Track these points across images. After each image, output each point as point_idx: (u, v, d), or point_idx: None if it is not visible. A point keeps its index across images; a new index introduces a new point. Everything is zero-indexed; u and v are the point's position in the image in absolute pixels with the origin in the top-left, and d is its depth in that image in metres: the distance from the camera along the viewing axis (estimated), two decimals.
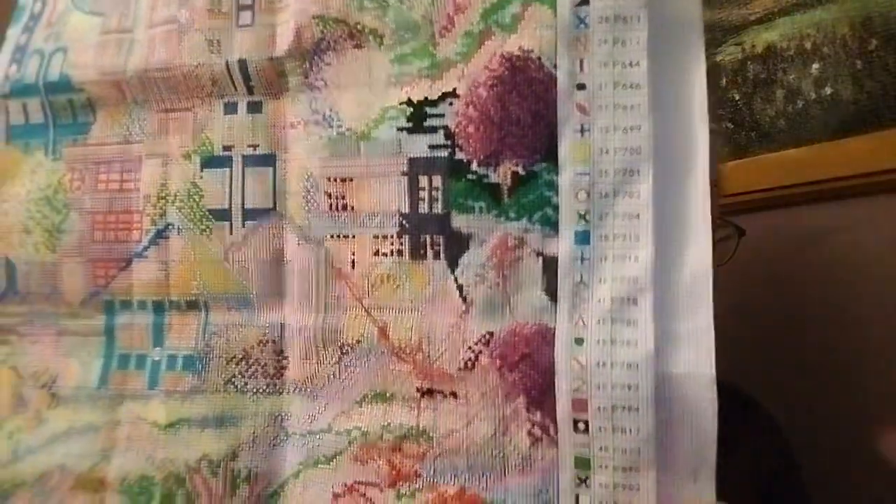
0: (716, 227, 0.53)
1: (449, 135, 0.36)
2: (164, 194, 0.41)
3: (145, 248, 0.41)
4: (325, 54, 0.39)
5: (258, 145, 0.40)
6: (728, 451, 0.52)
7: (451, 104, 0.36)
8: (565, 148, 0.34)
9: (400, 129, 0.37)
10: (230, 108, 0.41)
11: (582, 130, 0.34)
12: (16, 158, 0.44)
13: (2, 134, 0.44)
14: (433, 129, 0.36)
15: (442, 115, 0.36)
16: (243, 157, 0.40)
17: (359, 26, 0.38)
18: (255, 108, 0.41)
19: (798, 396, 0.66)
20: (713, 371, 0.31)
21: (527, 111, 0.34)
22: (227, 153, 0.41)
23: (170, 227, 0.41)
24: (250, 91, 0.41)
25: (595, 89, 0.33)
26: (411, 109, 0.37)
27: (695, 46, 0.33)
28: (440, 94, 0.36)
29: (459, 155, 0.36)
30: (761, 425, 0.57)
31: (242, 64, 0.40)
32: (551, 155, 0.34)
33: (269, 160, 0.40)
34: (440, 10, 0.36)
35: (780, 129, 0.71)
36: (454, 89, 0.36)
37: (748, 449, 0.54)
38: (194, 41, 0.41)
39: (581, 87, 0.34)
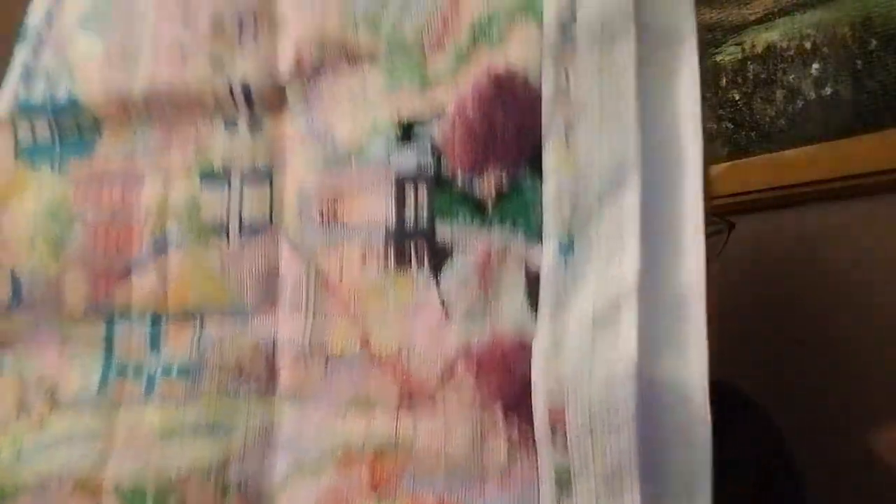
0: (705, 224, 0.54)
1: (435, 150, 0.36)
2: (164, 208, 0.42)
3: (145, 260, 0.42)
4: (323, 75, 0.40)
5: (257, 161, 0.41)
6: (725, 452, 0.52)
7: (438, 120, 0.36)
8: (550, 158, 0.33)
9: (389, 144, 0.38)
10: (230, 126, 0.42)
11: (567, 140, 0.33)
12: (24, 175, 0.45)
13: (11, 151, 0.45)
14: (421, 145, 0.37)
15: (430, 132, 0.36)
16: (242, 172, 0.41)
17: (354, 47, 0.39)
18: (255, 125, 0.42)
19: (797, 396, 0.66)
20: (706, 381, 0.30)
21: (511, 124, 0.34)
22: (226, 169, 0.41)
23: (168, 240, 0.42)
24: (251, 109, 0.41)
25: (580, 99, 0.33)
26: (400, 125, 0.37)
27: (686, 55, 0.33)
28: (429, 110, 0.37)
29: (445, 169, 0.36)
30: (760, 426, 0.57)
31: (245, 85, 0.41)
32: (536, 165, 0.34)
33: (267, 175, 0.41)
34: (431, 31, 0.37)
35: (780, 129, 0.71)
36: (443, 106, 0.36)
37: (745, 450, 0.54)
38: (198, 62, 0.42)
39: (566, 96, 0.33)
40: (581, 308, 0.32)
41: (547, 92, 0.33)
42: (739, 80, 0.75)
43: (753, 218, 0.72)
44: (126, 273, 0.42)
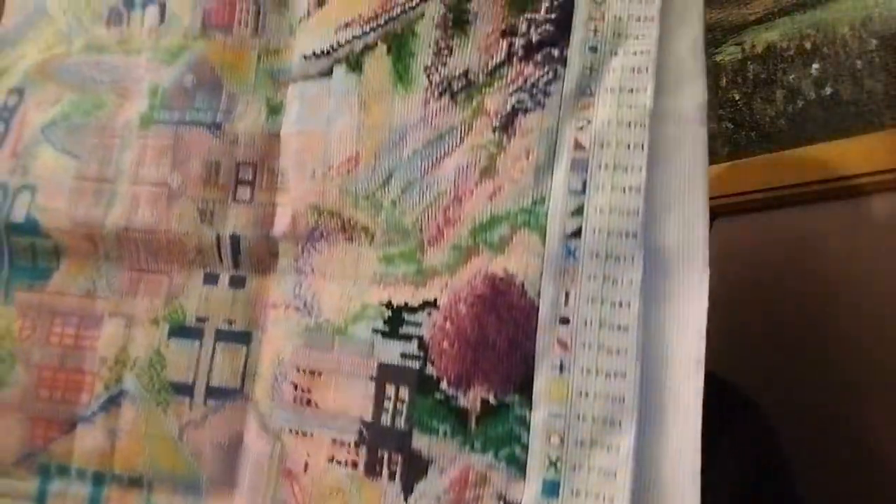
0: None
1: (423, 346, 0.34)
2: (122, 358, 0.39)
3: (94, 413, 0.39)
4: (318, 242, 0.39)
5: (235, 321, 0.39)
6: (721, 452, 0.52)
7: (429, 314, 0.35)
8: (541, 384, 0.32)
9: (375, 331, 0.36)
10: (210, 279, 0.40)
11: (561, 367, 0.31)
12: None
13: None
14: (408, 337, 0.35)
15: (419, 324, 0.35)
16: (217, 330, 0.39)
17: (352, 221, 0.38)
18: (237, 282, 0.40)
19: (797, 396, 0.66)
20: None
21: (504, 337, 0.33)
22: (199, 324, 0.39)
23: (123, 393, 0.39)
24: (236, 265, 0.40)
25: (579, 325, 0.31)
26: (390, 312, 0.36)
27: (695, 287, 0.31)
28: (421, 301, 0.35)
29: (430, 370, 0.34)
30: (758, 425, 0.57)
31: (235, 239, 0.39)
32: (525, 388, 0.32)
33: (244, 338, 0.39)
34: (430, 220, 0.36)
35: (780, 129, 0.71)
36: (435, 299, 0.35)
37: (743, 449, 0.54)
38: (185, 208, 0.39)
39: (564, 321, 0.32)
40: None
41: (544, 312, 0.32)
42: (739, 80, 0.75)
43: (753, 218, 0.72)
44: (70, 424, 0.39)
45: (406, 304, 0.36)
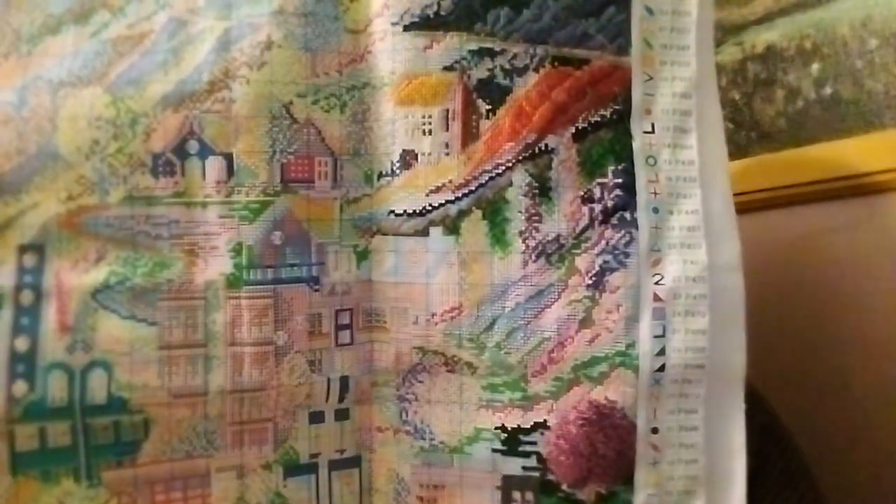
0: None
1: (541, 460, 0.40)
2: None
3: None
4: (420, 374, 0.41)
5: (345, 449, 0.41)
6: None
7: (542, 434, 0.40)
8: (640, 476, 0.40)
9: (495, 451, 0.40)
10: (316, 418, 0.41)
11: (655, 463, 0.40)
12: (32, 491, 0.36)
13: (3, 466, 0.35)
14: (526, 455, 0.40)
15: (535, 443, 0.40)
16: (330, 461, 0.41)
17: (455, 358, 0.40)
18: (342, 415, 0.41)
19: (796, 396, 0.66)
20: None
21: (612, 449, 0.40)
22: (313, 460, 0.40)
23: None
24: (341, 401, 0.41)
25: (665, 432, 0.40)
26: (505, 435, 0.40)
27: (737, 396, 0.40)
28: (532, 423, 0.40)
29: (550, 476, 0.40)
30: (768, 415, 0.57)
31: (344, 380, 0.41)
32: (629, 480, 0.40)
33: (355, 462, 0.41)
34: (535, 359, 0.40)
35: (780, 129, 0.71)
36: (545, 421, 0.40)
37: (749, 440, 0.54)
38: (295, 362, 0.40)
39: (655, 430, 0.40)
40: None
41: (640, 427, 0.40)
42: (739, 80, 0.75)
43: (753, 218, 0.72)
44: None
45: (519, 427, 0.40)
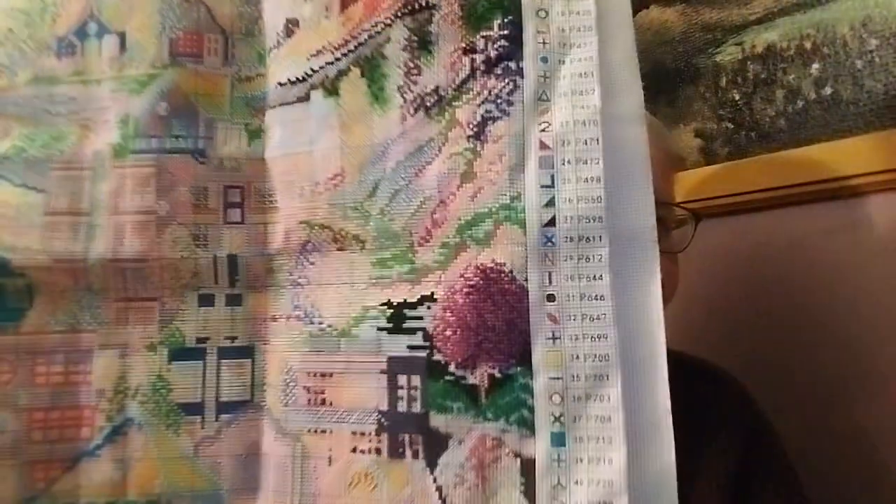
0: (672, 214, 0.54)
1: (427, 337, 0.37)
2: (122, 388, 0.39)
3: (98, 447, 0.39)
4: (310, 254, 0.40)
5: (237, 337, 0.40)
6: (717, 445, 0.52)
7: (428, 308, 0.38)
8: (538, 354, 0.36)
9: (380, 329, 0.38)
10: (205, 300, 0.40)
11: (553, 338, 0.36)
12: None
13: None
14: (412, 331, 0.38)
15: (420, 318, 0.38)
16: (219, 349, 0.40)
17: (342, 232, 0.40)
18: (234, 300, 0.40)
19: (796, 396, 0.66)
20: None
21: (501, 319, 0.36)
22: (200, 345, 0.40)
23: (129, 422, 0.39)
24: (232, 284, 0.40)
25: (563, 300, 0.36)
26: (391, 311, 0.38)
27: (649, 262, 0.36)
28: (419, 297, 0.38)
29: (437, 356, 0.37)
30: (757, 418, 0.57)
31: (232, 259, 0.40)
32: (525, 359, 0.36)
33: (248, 352, 0.40)
34: (419, 224, 0.38)
35: (780, 129, 0.71)
36: (432, 293, 0.38)
37: (721, 426, 0.54)
38: (178, 234, 0.40)
39: (550, 298, 0.36)
40: (577, 502, 0.34)
41: (533, 293, 0.36)
42: (739, 80, 0.75)
43: (753, 218, 0.72)
44: (72, 461, 0.38)
45: (405, 301, 0.38)
